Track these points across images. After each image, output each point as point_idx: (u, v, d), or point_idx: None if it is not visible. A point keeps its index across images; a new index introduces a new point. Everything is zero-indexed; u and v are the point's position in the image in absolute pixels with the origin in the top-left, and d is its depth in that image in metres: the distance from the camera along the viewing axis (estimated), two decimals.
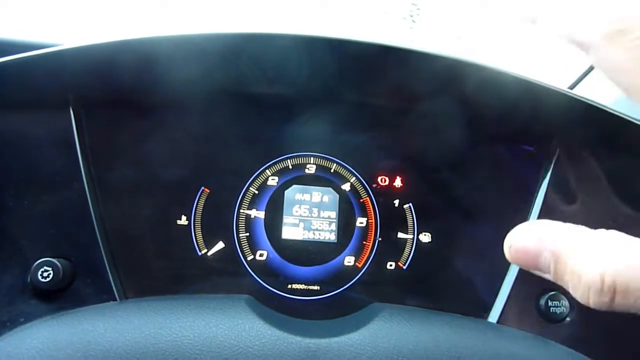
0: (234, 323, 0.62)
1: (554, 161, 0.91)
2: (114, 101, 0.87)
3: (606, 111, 0.79)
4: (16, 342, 0.60)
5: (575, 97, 0.79)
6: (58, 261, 0.75)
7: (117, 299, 0.78)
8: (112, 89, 0.85)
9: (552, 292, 0.85)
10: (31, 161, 0.80)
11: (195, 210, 0.91)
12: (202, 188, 0.92)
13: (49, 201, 0.79)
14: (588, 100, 0.79)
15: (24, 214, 0.78)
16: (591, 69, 1.14)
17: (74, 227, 0.79)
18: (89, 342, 0.59)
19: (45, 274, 0.74)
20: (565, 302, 0.84)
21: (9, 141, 0.80)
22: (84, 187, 0.80)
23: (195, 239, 0.91)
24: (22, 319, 0.72)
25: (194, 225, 0.91)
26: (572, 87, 1.17)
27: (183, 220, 0.91)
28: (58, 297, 0.76)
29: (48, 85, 0.80)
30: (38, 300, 0.75)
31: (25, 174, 0.80)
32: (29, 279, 0.75)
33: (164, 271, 0.89)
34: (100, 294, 0.78)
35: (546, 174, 0.91)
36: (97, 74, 0.81)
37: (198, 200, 0.92)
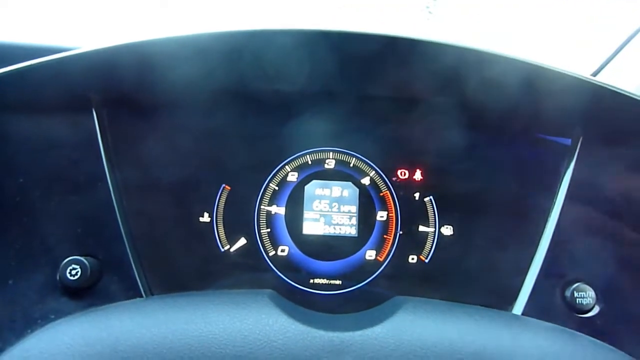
0: (258, 318, 0.62)
1: (577, 151, 0.89)
2: (135, 101, 0.89)
3: (631, 97, 0.77)
4: (48, 339, 0.62)
5: (599, 84, 0.77)
6: (85, 259, 0.77)
7: (143, 295, 0.80)
8: (132, 89, 0.87)
9: (578, 283, 0.83)
10: (57, 162, 0.82)
11: (217, 207, 0.92)
12: (223, 185, 0.93)
13: (75, 201, 0.81)
14: (612, 87, 0.77)
15: (51, 214, 0.80)
16: (614, 55, 1.11)
17: (100, 226, 0.81)
18: (117, 338, 0.60)
19: (73, 272, 0.76)
20: (592, 293, 0.83)
21: (34, 144, 0.82)
22: (109, 187, 0.82)
23: (218, 235, 0.92)
24: (53, 316, 0.74)
25: (216, 222, 0.92)
26: (595, 74, 1.15)
27: (205, 217, 0.92)
28: (86, 294, 0.78)
29: (71, 87, 0.82)
30: (67, 297, 0.77)
31: (52, 175, 0.82)
32: (58, 277, 0.77)
33: (188, 267, 0.90)
34: (127, 291, 0.79)
35: (569, 164, 0.89)
36: (117, 74, 0.82)
37: (219, 197, 0.93)
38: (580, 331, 0.67)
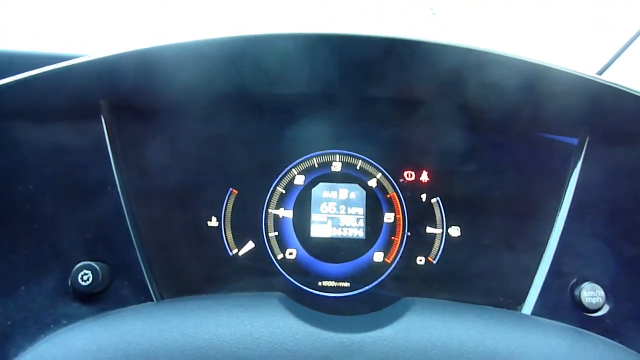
0: (268, 320, 0.63)
1: (584, 151, 0.89)
2: (143, 107, 0.90)
3: (636, 96, 0.77)
4: (60, 344, 0.62)
5: (604, 82, 0.77)
6: (96, 264, 0.78)
7: (154, 299, 0.81)
8: (140, 95, 0.88)
9: (587, 282, 0.83)
10: (66, 169, 0.83)
11: (225, 211, 0.93)
12: (231, 189, 0.94)
13: (85, 207, 0.82)
14: (617, 85, 0.77)
15: (62, 220, 0.81)
16: (619, 54, 1.11)
17: (110, 231, 0.82)
18: (129, 342, 0.60)
19: (85, 277, 0.76)
20: (601, 292, 0.82)
21: (44, 150, 0.83)
22: (118, 192, 0.82)
23: (226, 239, 0.92)
24: (65, 321, 0.74)
25: (224, 226, 0.93)
26: (600, 73, 1.15)
27: (213, 222, 0.92)
28: (98, 299, 0.78)
29: (80, 95, 0.83)
30: (79, 302, 0.78)
31: (61, 181, 0.82)
32: (69, 283, 0.78)
33: (198, 271, 0.91)
34: (138, 295, 0.80)
35: (576, 164, 0.89)
36: (125, 80, 0.83)
37: (227, 201, 0.93)
38: (589, 330, 0.67)
